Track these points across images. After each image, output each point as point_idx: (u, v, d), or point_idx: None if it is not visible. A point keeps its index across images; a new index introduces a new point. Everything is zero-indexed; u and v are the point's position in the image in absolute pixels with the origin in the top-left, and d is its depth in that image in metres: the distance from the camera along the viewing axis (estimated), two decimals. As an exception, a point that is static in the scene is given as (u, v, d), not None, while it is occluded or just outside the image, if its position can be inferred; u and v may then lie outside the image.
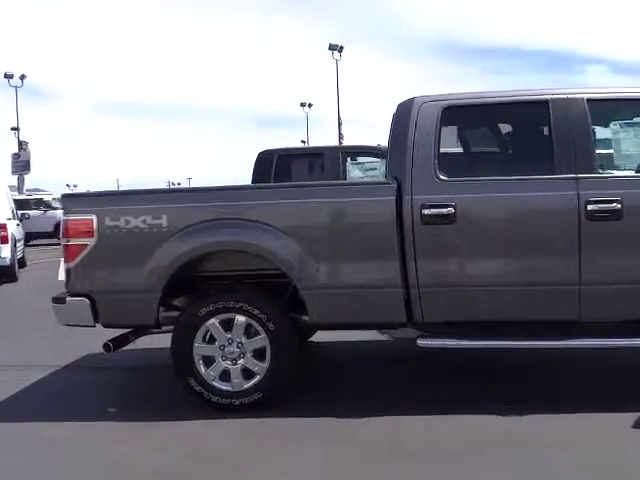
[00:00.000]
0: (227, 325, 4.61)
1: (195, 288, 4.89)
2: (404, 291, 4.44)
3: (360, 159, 9.71)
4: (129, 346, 5.03)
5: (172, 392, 5.07)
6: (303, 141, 51.88)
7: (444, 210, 4.35)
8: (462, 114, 4.61)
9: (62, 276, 4.87)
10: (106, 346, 4.77)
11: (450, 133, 4.62)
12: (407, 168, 4.45)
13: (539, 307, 4.37)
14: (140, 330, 5.01)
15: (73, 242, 4.72)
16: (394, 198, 4.42)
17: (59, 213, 14.20)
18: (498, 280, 4.37)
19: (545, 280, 4.33)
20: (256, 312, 4.54)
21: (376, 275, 4.47)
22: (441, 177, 4.41)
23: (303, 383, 4.90)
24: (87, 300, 4.68)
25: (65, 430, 4.44)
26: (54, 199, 22.99)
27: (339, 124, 33.92)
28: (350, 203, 4.53)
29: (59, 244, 4.98)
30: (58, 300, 4.81)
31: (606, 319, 4.45)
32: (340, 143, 40.38)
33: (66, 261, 4.77)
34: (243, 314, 4.56)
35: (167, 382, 5.41)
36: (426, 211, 4.37)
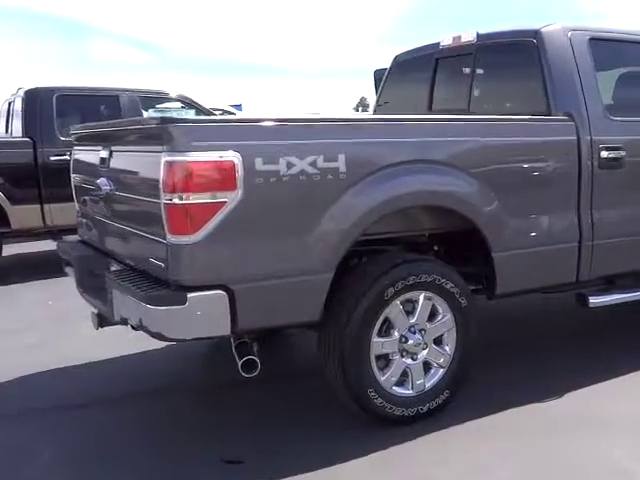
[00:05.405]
0: (407, 308, 3.39)
1: None
2: (578, 246, 3.89)
3: (159, 106, 8.07)
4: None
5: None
6: None
7: (619, 153, 3.93)
8: (610, 47, 4.17)
9: None
10: (249, 365, 3.01)
11: (601, 67, 4.13)
12: (580, 104, 3.86)
13: None
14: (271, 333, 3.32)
15: (198, 200, 2.81)
16: (575, 138, 3.81)
17: None
18: None
19: None
20: (449, 286, 3.42)
21: (556, 229, 3.80)
22: (610, 116, 3.96)
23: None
24: (225, 294, 2.86)
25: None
26: None
27: None
28: (535, 143, 3.72)
29: None
30: (168, 300, 2.82)
31: None
32: None
33: (179, 233, 2.83)
34: (431, 290, 3.39)
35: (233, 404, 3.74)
36: (604, 154, 3.88)
